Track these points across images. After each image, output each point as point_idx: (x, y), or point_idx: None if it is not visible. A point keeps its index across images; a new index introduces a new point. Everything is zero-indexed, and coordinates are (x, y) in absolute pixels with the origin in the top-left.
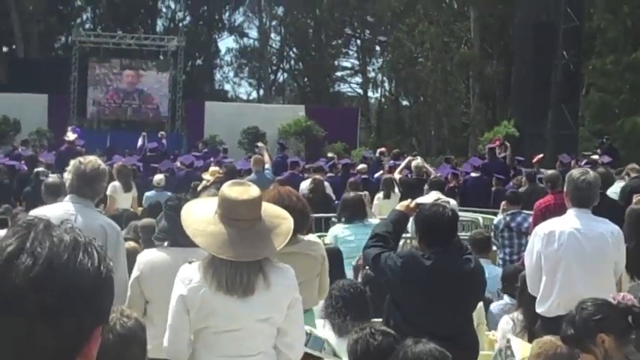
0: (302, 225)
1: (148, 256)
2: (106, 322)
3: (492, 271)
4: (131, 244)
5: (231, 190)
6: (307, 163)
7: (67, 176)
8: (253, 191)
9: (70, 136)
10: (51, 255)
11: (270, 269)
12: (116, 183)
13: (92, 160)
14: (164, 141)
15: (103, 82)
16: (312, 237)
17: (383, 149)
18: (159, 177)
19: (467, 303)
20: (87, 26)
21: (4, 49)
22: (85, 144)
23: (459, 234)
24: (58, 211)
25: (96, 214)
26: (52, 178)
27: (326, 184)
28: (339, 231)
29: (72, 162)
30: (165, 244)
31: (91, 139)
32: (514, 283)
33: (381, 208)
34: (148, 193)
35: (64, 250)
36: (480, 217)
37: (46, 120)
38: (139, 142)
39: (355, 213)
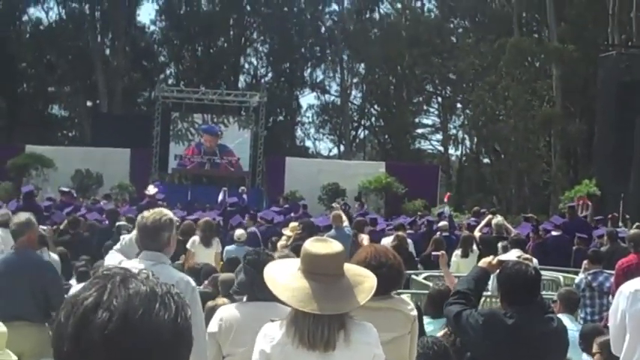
0: (397, 282)
1: (227, 312)
2: None
3: (576, 330)
4: (225, 300)
5: (314, 245)
6: (387, 220)
7: (135, 232)
8: (336, 247)
9: (151, 190)
10: (126, 309)
11: (351, 326)
12: (196, 238)
13: (155, 213)
14: (245, 196)
15: (185, 136)
16: (404, 297)
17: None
18: (240, 232)
19: None
20: (170, 82)
21: (89, 103)
22: (165, 198)
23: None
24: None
25: (169, 269)
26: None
27: (408, 240)
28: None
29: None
30: (244, 298)
31: (172, 194)
32: (592, 342)
33: (459, 265)
34: (228, 248)
35: (139, 303)
36: (560, 276)
37: (128, 174)
38: (220, 197)
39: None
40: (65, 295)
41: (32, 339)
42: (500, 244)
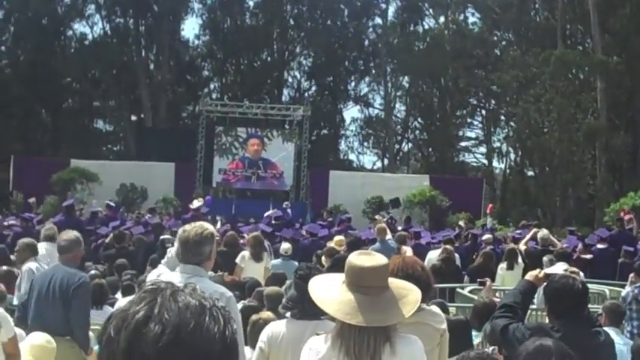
0: (426, 295)
1: (275, 328)
2: None
3: (623, 344)
4: (268, 314)
5: (359, 258)
6: (432, 233)
7: (176, 245)
8: (380, 259)
9: (195, 203)
10: (178, 322)
11: (397, 338)
12: (246, 253)
13: (197, 226)
14: (289, 210)
15: (229, 150)
16: (434, 308)
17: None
18: (286, 245)
19: None
20: (214, 96)
21: (133, 118)
22: (209, 212)
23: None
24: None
25: (205, 282)
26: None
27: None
28: None
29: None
30: (292, 313)
31: (217, 207)
32: None
33: (505, 278)
34: (274, 262)
35: (190, 316)
36: (606, 289)
37: (173, 188)
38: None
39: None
40: (89, 312)
41: (66, 354)
42: (545, 258)
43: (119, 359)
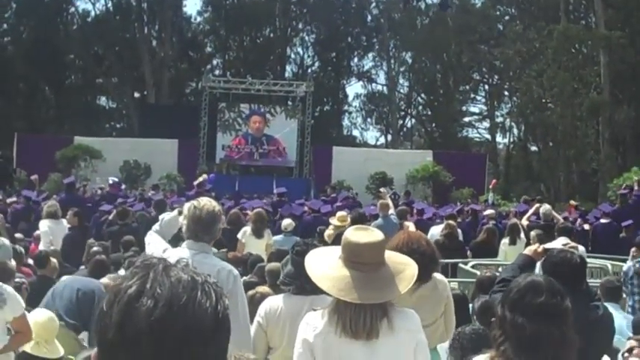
0: (431, 270)
1: (273, 303)
2: None
3: (622, 318)
4: (265, 289)
5: (355, 234)
6: (435, 209)
7: (183, 221)
8: (377, 235)
9: (199, 180)
10: (170, 296)
11: (394, 313)
12: (247, 228)
13: (207, 204)
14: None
15: (232, 127)
16: (437, 275)
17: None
18: (287, 222)
19: (594, 351)
20: (217, 72)
21: (136, 94)
22: (213, 188)
23: (588, 280)
24: (173, 257)
25: (212, 258)
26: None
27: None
28: None
29: (186, 206)
30: (289, 289)
31: (220, 184)
32: None
33: (507, 253)
34: (275, 238)
35: (182, 290)
36: (609, 263)
37: (176, 165)
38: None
39: None
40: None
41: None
42: (533, 233)
43: (112, 333)
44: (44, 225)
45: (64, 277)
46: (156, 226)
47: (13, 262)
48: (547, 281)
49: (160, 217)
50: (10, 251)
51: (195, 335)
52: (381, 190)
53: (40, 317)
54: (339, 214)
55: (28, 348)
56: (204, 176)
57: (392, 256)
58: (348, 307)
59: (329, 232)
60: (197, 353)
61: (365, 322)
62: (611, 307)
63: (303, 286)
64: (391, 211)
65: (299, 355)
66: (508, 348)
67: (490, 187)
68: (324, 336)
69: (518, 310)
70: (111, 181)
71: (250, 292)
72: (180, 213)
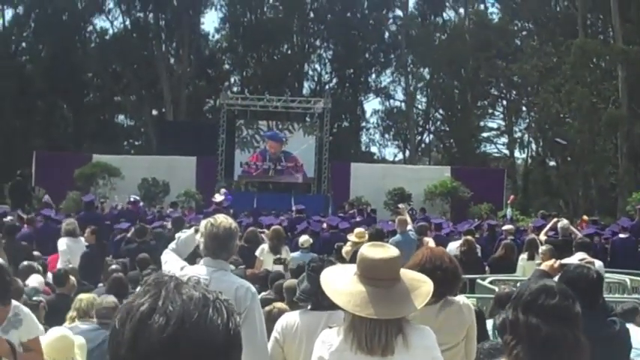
0: (453, 287)
1: (290, 319)
2: None
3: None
4: (282, 305)
5: (370, 250)
6: (453, 225)
7: (200, 239)
8: (392, 251)
9: (218, 197)
10: (182, 314)
11: (409, 330)
12: (265, 246)
13: (224, 221)
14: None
15: (250, 144)
16: (462, 299)
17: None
18: (304, 238)
19: None
20: (235, 89)
21: (154, 112)
22: (231, 205)
23: (606, 296)
24: (190, 275)
25: (230, 276)
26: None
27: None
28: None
29: (203, 223)
30: (309, 306)
31: (239, 201)
32: None
33: (525, 269)
34: (293, 254)
35: (194, 308)
36: (627, 278)
37: (195, 182)
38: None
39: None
40: None
41: None
42: (544, 248)
43: (124, 350)
44: (62, 243)
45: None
46: (172, 245)
47: (39, 278)
48: (559, 285)
49: (177, 235)
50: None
51: (206, 352)
52: (400, 206)
53: (52, 336)
54: (357, 230)
55: None
56: (223, 190)
57: (407, 273)
58: (363, 323)
59: (347, 249)
60: None
61: (380, 339)
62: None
63: (319, 302)
64: (409, 227)
65: None
66: (521, 351)
67: (508, 202)
68: (340, 353)
69: (532, 312)
70: (132, 199)
71: (267, 308)
72: (196, 231)
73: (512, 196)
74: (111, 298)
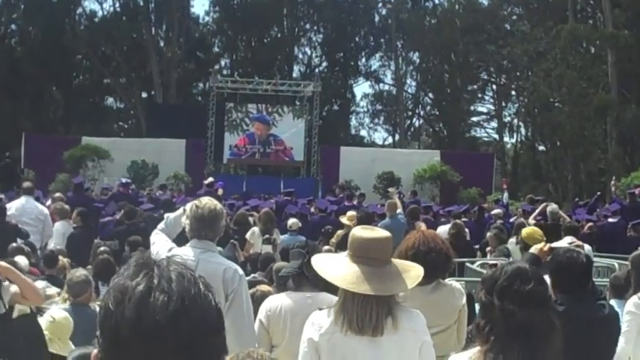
0: (445, 268)
1: (274, 302)
2: (227, 353)
3: None
4: (265, 287)
5: (362, 231)
6: (442, 209)
7: (185, 221)
8: (383, 233)
9: (209, 179)
10: (182, 290)
11: (399, 312)
12: (256, 229)
13: (208, 202)
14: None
15: (240, 127)
16: (454, 283)
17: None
18: (292, 221)
19: (602, 350)
20: (224, 72)
21: (143, 95)
22: (221, 188)
23: (595, 280)
24: (178, 256)
25: (217, 257)
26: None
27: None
28: None
29: (188, 206)
30: (288, 285)
31: (228, 184)
32: None
33: (514, 253)
34: (282, 237)
35: (188, 285)
36: (615, 262)
37: (184, 164)
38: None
39: None
40: None
41: None
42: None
43: (126, 330)
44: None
45: None
46: (161, 225)
47: (24, 260)
48: (532, 269)
49: (165, 215)
50: None
51: (205, 326)
52: (390, 189)
53: (56, 315)
54: (349, 213)
55: None
56: (220, 183)
57: (397, 261)
58: (354, 303)
59: (340, 232)
60: (209, 344)
61: (371, 318)
62: (615, 304)
63: (301, 281)
64: (399, 210)
65: (304, 354)
66: (498, 337)
67: (504, 187)
68: (330, 335)
69: (507, 297)
70: (124, 181)
71: (250, 291)
72: (185, 211)
73: (504, 180)
74: (80, 272)
